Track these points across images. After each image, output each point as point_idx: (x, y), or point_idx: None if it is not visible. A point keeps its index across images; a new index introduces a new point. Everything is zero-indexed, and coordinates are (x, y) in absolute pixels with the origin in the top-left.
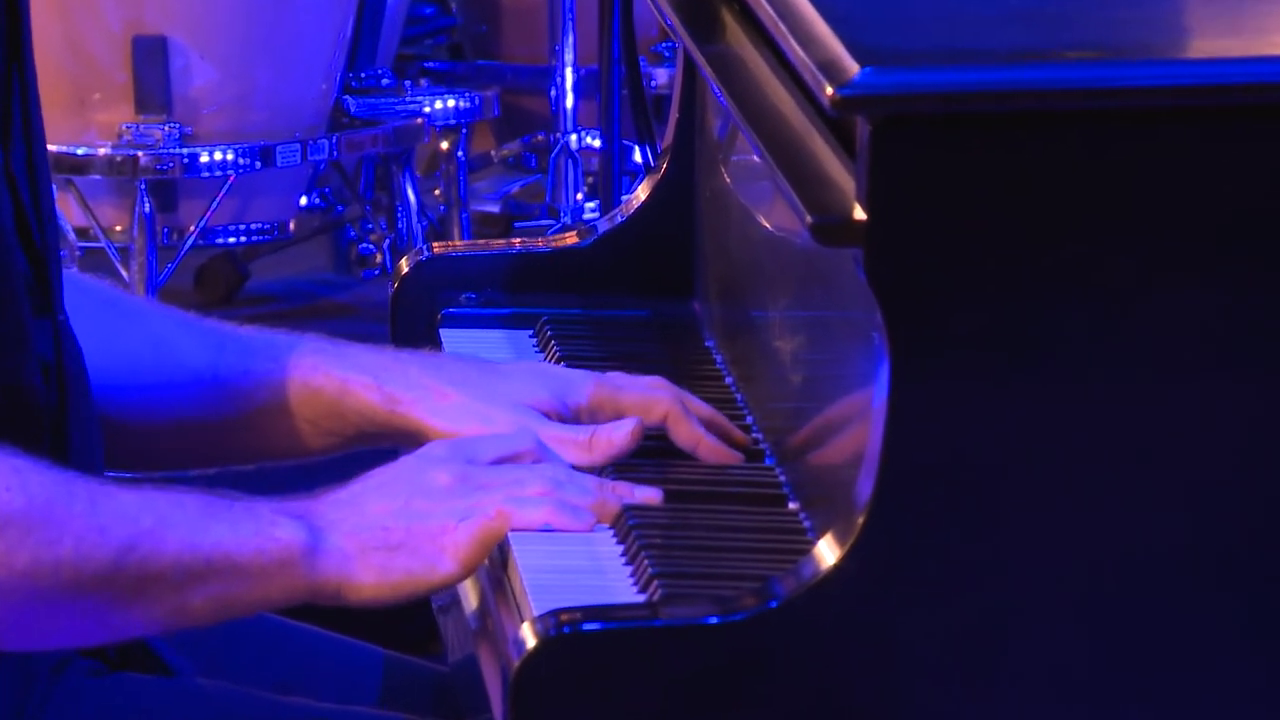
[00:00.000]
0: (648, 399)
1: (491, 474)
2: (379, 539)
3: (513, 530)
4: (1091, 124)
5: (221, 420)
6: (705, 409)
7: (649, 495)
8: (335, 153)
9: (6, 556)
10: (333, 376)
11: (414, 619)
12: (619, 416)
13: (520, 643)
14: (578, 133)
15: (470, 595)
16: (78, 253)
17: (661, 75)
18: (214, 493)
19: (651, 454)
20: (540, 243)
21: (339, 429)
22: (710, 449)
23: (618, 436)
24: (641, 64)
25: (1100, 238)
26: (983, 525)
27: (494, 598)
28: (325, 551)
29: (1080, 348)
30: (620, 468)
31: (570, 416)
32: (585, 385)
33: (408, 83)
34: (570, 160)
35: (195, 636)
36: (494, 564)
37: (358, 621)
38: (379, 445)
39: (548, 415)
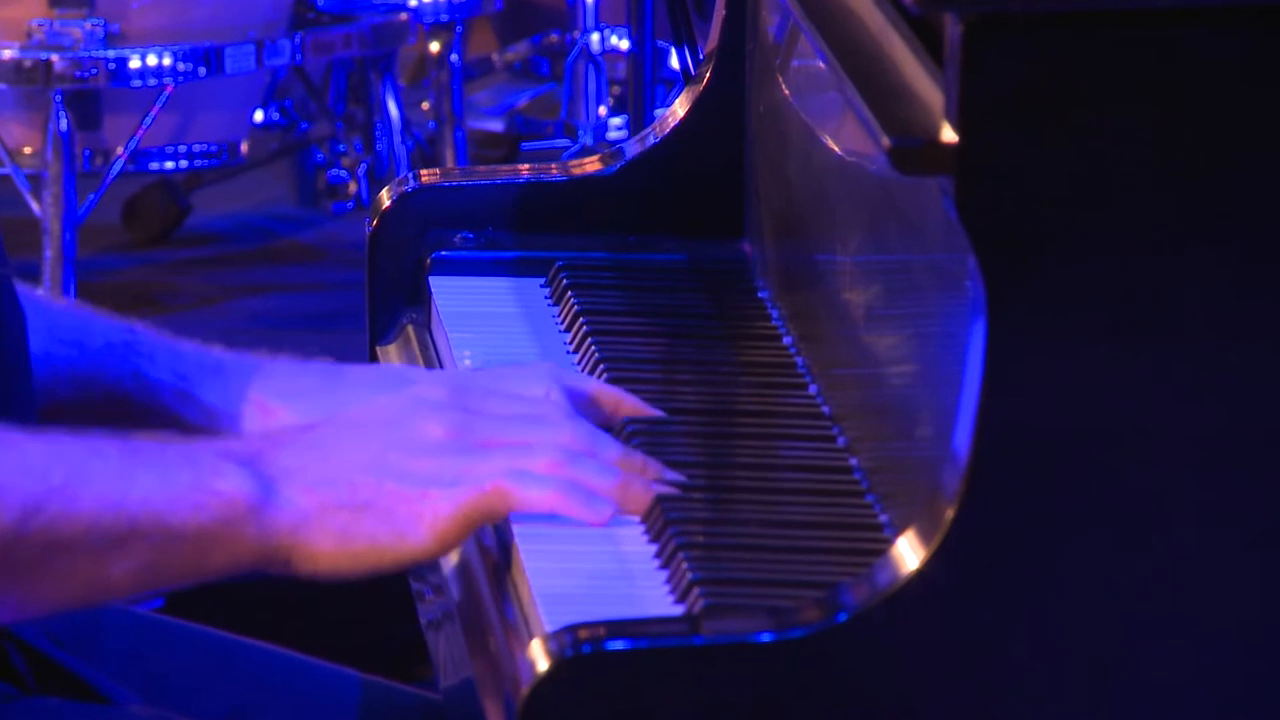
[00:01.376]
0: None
1: (496, 430)
2: (343, 495)
3: (513, 515)
4: (1250, 23)
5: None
6: (596, 390)
7: (675, 480)
8: (298, 56)
9: None
10: (144, 379)
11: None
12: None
13: (529, 665)
14: (600, 31)
15: (467, 603)
16: None
17: None
18: (148, 435)
19: (690, 434)
20: (554, 169)
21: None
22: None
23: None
24: None
25: (1252, 166)
26: (1100, 519)
27: (496, 608)
28: (277, 506)
29: (1221, 302)
30: (651, 448)
31: None
32: (438, 399)
33: None
34: (591, 66)
35: (132, 654)
36: (497, 565)
37: (332, 639)
38: None
39: None
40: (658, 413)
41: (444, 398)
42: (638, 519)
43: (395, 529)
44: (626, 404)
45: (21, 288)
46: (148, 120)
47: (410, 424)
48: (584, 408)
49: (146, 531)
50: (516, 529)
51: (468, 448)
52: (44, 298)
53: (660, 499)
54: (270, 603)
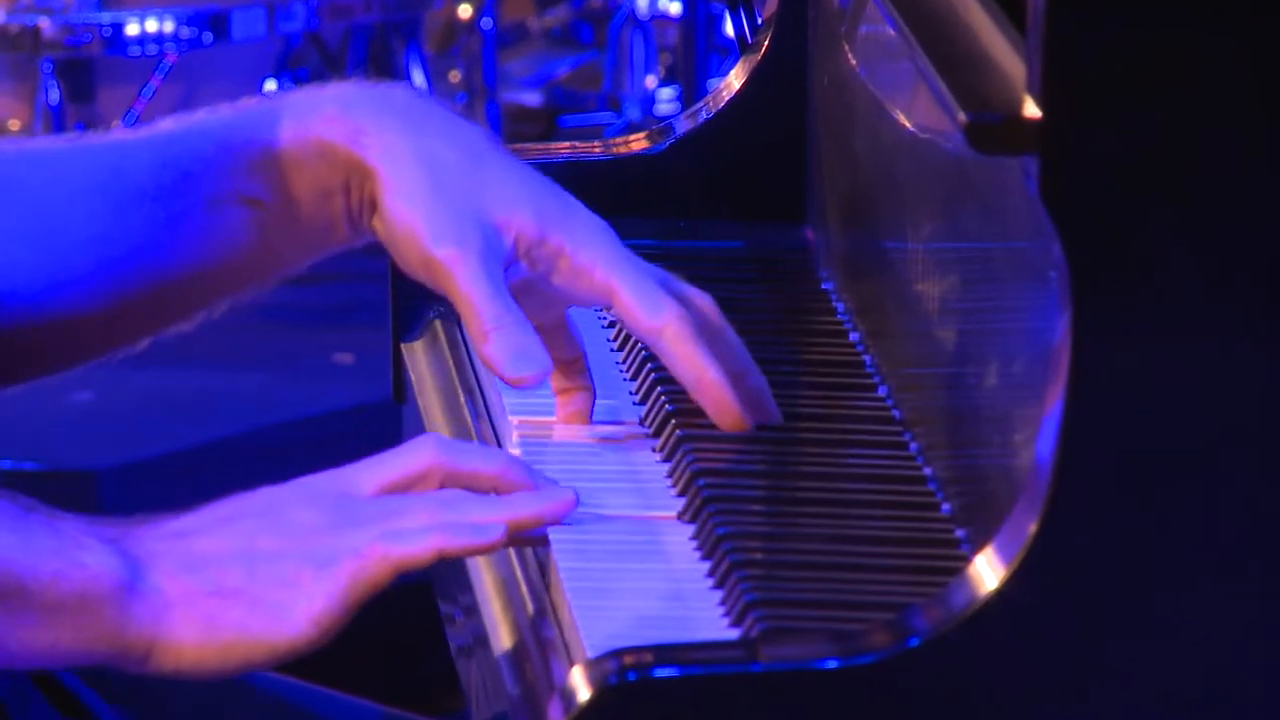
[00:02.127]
0: (653, 300)
1: (368, 506)
2: (211, 582)
3: (393, 573)
4: None
5: (137, 299)
6: (735, 345)
7: (564, 498)
8: (314, 22)
9: None
10: (300, 125)
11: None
12: (600, 299)
13: (570, 695)
14: None
15: (501, 630)
16: None
17: None
18: (8, 497)
19: (748, 440)
20: (597, 147)
21: (309, 195)
22: (710, 383)
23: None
24: None
25: None
26: (1196, 537)
27: (533, 631)
28: (141, 593)
29: None
30: (704, 455)
31: (544, 262)
32: (589, 233)
33: None
34: (638, 33)
35: (139, 682)
36: (534, 583)
37: (351, 669)
38: (361, 235)
39: (515, 245)
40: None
41: (320, 485)
42: (692, 536)
43: (268, 617)
44: (743, 385)
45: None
46: (147, 92)
47: (280, 511)
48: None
49: (1, 590)
50: (555, 542)
51: (339, 526)
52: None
53: (715, 512)
54: None
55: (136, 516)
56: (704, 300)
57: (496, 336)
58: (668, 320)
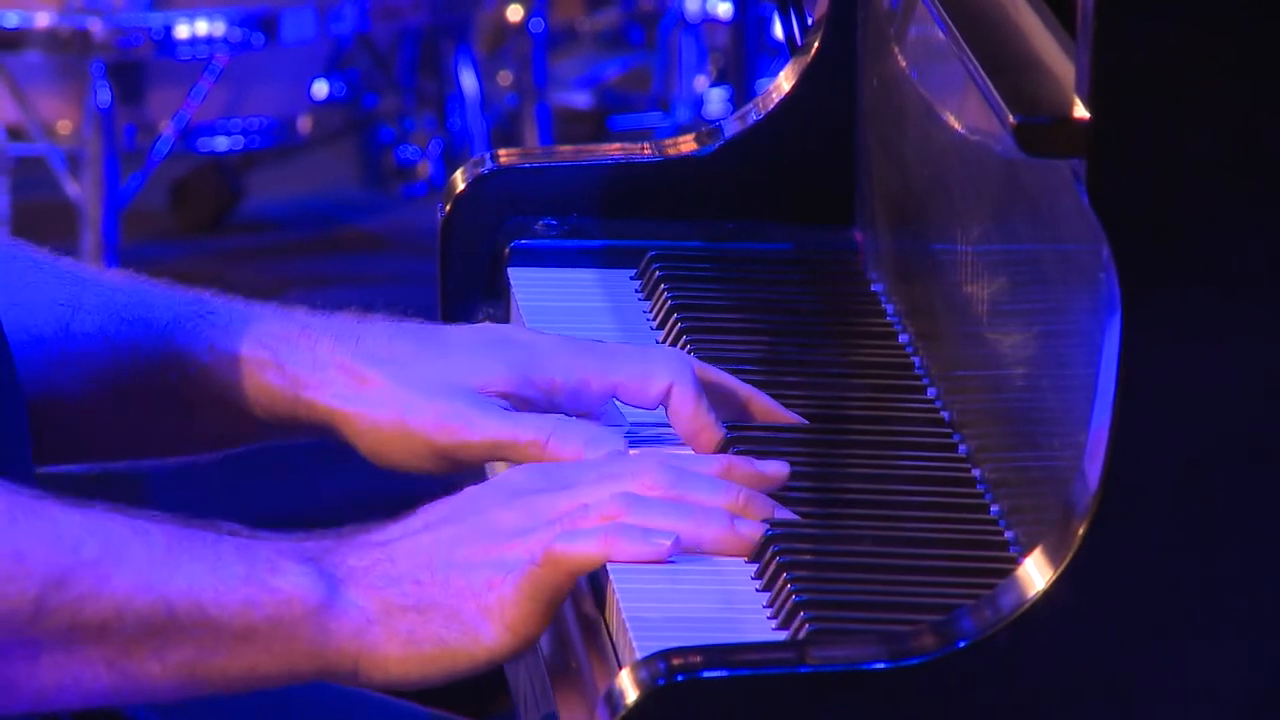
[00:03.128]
0: (644, 371)
1: (561, 501)
2: (409, 595)
3: (570, 574)
4: None
5: (76, 401)
6: (732, 385)
7: (755, 532)
8: (364, 24)
9: None
10: (221, 352)
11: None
12: (605, 395)
13: (617, 697)
14: None
15: (549, 631)
16: (9, 160)
17: None
18: (201, 524)
19: (797, 442)
20: (646, 149)
21: (238, 417)
22: (710, 440)
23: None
24: None
25: None
26: (1249, 540)
27: (581, 635)
28: (340, 609)
29: None
30: (749, 453)
31: (541, 396)
32: (559, 355)
33: None
34: (688, 34)
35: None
36: (582, 586)
37: None
38: (298, 438)
39: (508, 399)
40: (793, 418)
41: (523, 481)
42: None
43: (465, 628)
44: (758, 404)
45: (70, 263)
46: (198, 95)
47: (482, 513)
48: (717, 400)
49: (187, 624)
50: None
51: (532, 527)
52: (97, 272)
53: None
54: None
55: (346, 529)
56: (673, 356)
57: (554, 438)
58: (668, 386)
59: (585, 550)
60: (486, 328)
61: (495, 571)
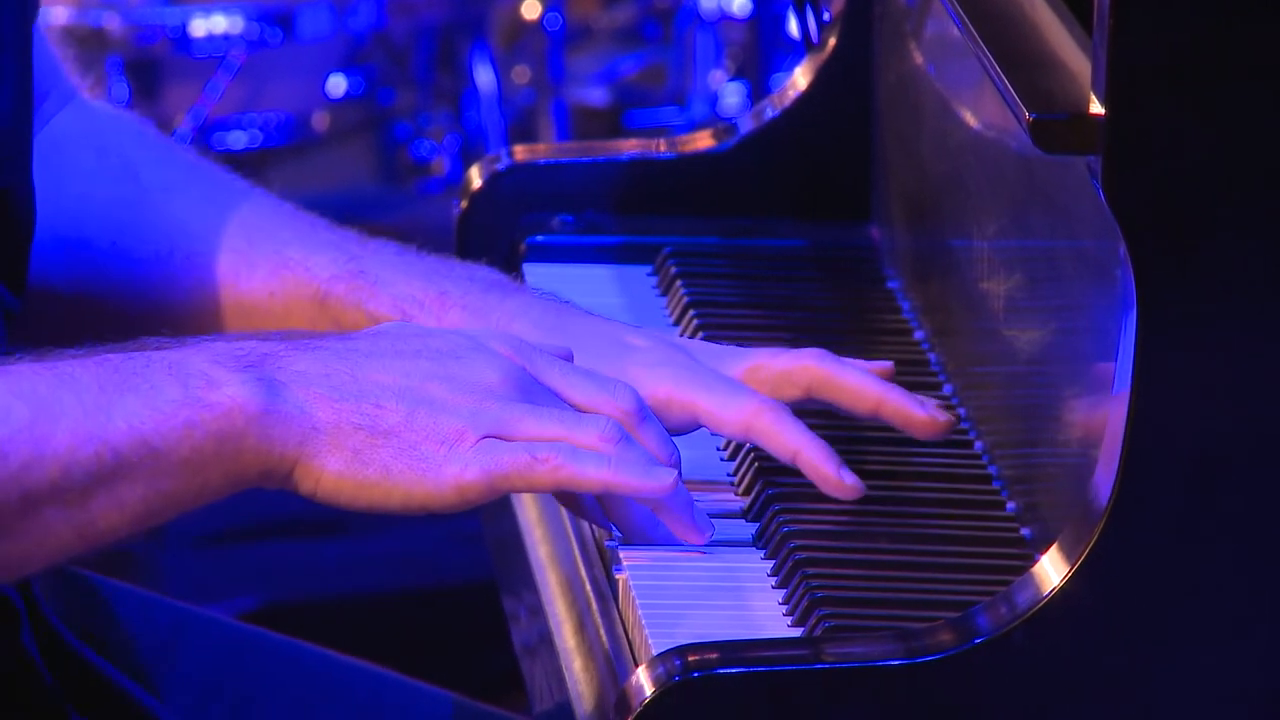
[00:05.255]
0: (792, 369)
1: (554, 403)
2: (366, 416)
3: (560, 485)
4: None
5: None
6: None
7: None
8: (380, 20)
9: None
10: (370, 314)
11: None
12: (690, 421)
13: (634, 693)
14: None
15: (565, 625)
16: None
17: None
18: (132, 345)
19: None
20: (662, 146)
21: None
22: (814, 461)
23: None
24: None
25: None
26: (1263, 537)
27: (596, 628)
28: (285, 412)
29: None
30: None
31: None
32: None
33: None
34: (705, 30)
35: (216, 666)
36: (599, 581)
37: (423, 659)
38: None
39: None
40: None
41: (508, 347)
42: (750, 535)
43: (416, 466)
44: (889, 406)
45: (254, 193)
46: (212, 90)
47: (460, 359)
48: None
49: (134, 462)
50: (620, 547)
51: (519, 405)
52: (271, 205)
53: (779, 511)
54: (365, 619)
55: (294, 331)
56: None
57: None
58: (749, 411)
59: (588, 474)
60: (613, 329)
61: (472, 426)
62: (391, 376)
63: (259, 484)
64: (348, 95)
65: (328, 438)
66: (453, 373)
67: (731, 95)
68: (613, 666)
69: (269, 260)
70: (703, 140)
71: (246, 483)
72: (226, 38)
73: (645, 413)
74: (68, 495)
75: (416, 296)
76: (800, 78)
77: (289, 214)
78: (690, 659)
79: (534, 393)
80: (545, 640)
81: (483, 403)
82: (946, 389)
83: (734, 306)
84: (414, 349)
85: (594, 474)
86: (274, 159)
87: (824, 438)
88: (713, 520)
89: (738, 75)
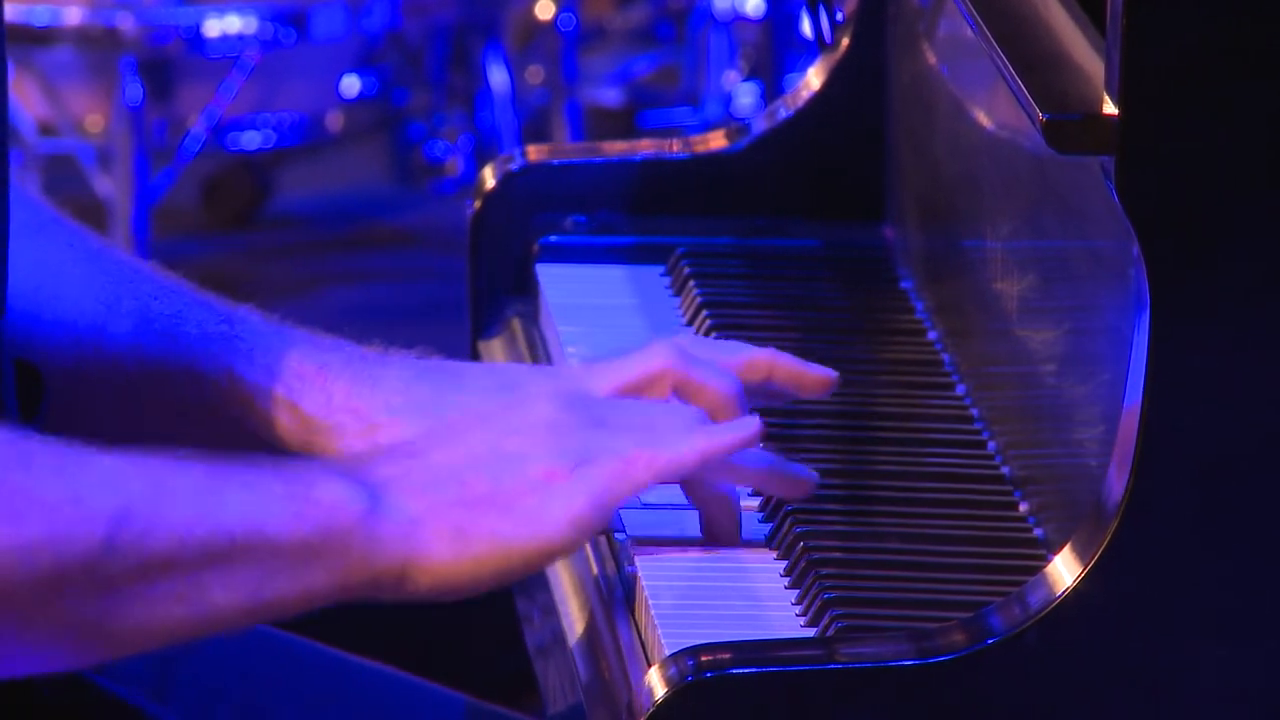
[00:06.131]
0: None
1: (614, 407)
2: (453, 492)
3: (658, 473)
4: None
5: (92, 393)
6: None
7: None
8: (395, 20)
9: None
10: (240, 380)
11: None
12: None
13: (646, 693)
14: None
15: (578, 625)
16: (38, 156)
17: None
18: (227, 455)
19: (826, 439)
20: (676, 146)
21: (253, 444)
22: (790, 374)
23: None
24: None
25: None
26: (1277, 535)
27: (609, 629)
28: (384, 514)
29: None
30: (783, 454)
31: None
32: (586, 381)
33: None
34: (718, 31)
35: (226, 667)
36: (611, 582)
37: (433, 659)
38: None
39: None
40: (826, 371)
41: (548, 386)
42: (764, 534)
43: (522, 521)
44: (782, 368)
45: (117, 256)
46: (226, 90)
47: (516, 411)
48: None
49: (245, 546)
50: (632, 540)
51: (587, 424)
52: (139, 269)
53: (791, 511)
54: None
55: (364, 449)
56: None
57: None
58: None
59: (682, 452)
60: (507, 370)
61: (559, 463)
62: (460, 451)
63: (368, 592)
64: (361, 95)
65: (428, 528)
66: (513, 424)
67: (745, 95)
68: (625, 667)
69: (134, 313)
70: (716, 140)
71: (354, 587)
72: (240, 38)
73: (691, 361)
74: (181, 570)
75: (297, 370)
76: (814, 78)
77: (152, 272)
78: (703, 659)
79: (593, 406)
80: (558, 640)
81: (555, 437)
82: (960, 389)
83: (747, 307)
84: (465, 424)
85: (687, 449)
86: (288, 159)
87: (830, 438)
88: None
89: (751, 75)
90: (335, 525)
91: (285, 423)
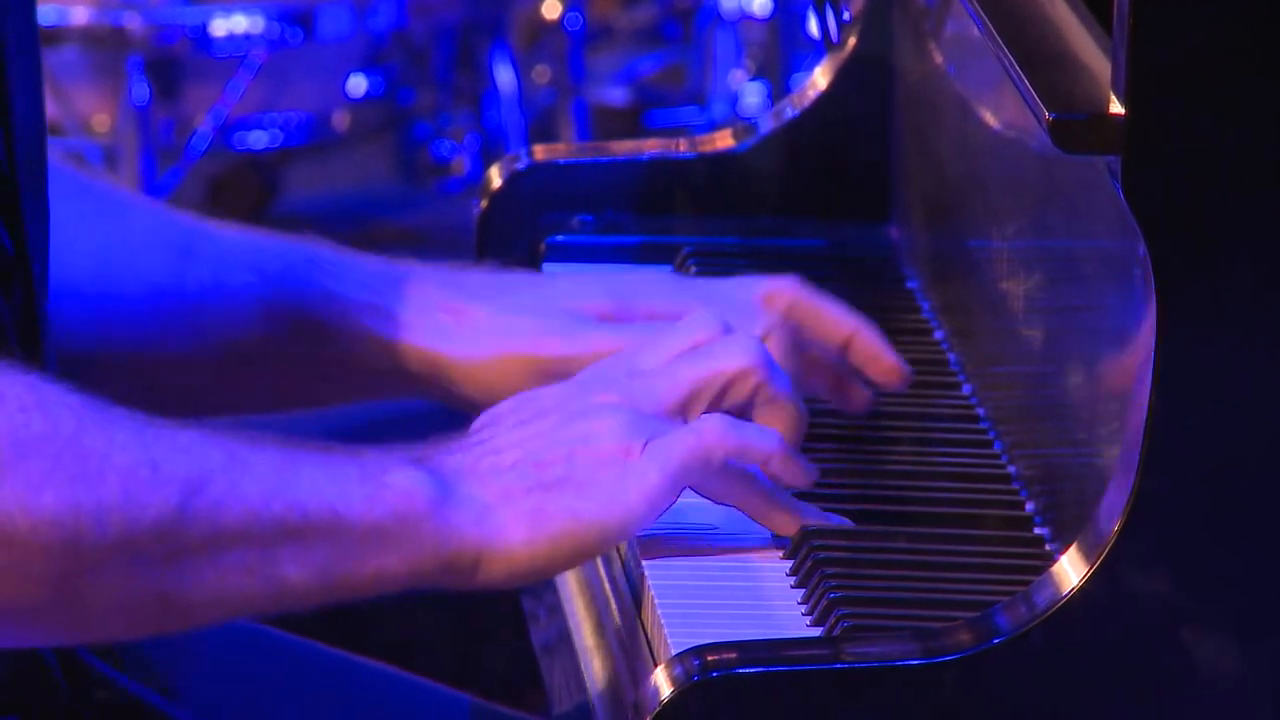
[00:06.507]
0: (746, 312)
1: (669, 369)
2: (529, 478)
3: (730, 452)
4: None
5: (183, 354)
6: (836, 319)
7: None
8: (401, 20)
9: (26, 497)
10: (333, 296)
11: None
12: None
13: (652, 693)
14: None
15: (584, 624)
16: None
17: None
18: (292, 441)
19: (831, 438)
20: (682, 146)
21: (335, 366)
22: (868, 343)
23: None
24: None
25: None
26: None
27: (616, 630)
28: (456, 501)
29: None
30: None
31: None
32: (661, 286)
33: None
34: (725, 30)
35: (228, 665)
36: (618, 582)
37: (436, 658)
38: (397, 395)
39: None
40: (902, 362)
41: (603, 369)
42: (769, 533)
43: (600, 498)
44: (863, 341)
45: (182, 213)
46: (233, 89)
47: (577, 397)
48: (822, 334)
49: (320, 525)
50: (641, 546)
51: (645, 393)
52: (205, 222)
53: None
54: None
55: (433, 439)
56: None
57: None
58: (766, 329)
59: (758, 438)
60: (584, 277)
61: (633, 438)
62: (534, 440)
63: (442, 580)
64: (368, 95)
65: (504, 512)
66: (576, 409)
67: (751, 95)
68: (632, 666)
69: (212, 257)
70: (723, 140)
71: (427, 574)
72: (247, 37)
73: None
74: (255, 542)
75: (386, 275)
76: (820, 77)
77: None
78: (709, 658)
79: (649, 377)
80: (564, 640)
81: (622, 415)
82: (966, 389)
83: None
84: (534, 412)
85: (763, 437)
86: (294, 159)
87: (837, 438)
88: (736, 517)
89: (758, 75)
90: (409, 511)
91: (378, 330)
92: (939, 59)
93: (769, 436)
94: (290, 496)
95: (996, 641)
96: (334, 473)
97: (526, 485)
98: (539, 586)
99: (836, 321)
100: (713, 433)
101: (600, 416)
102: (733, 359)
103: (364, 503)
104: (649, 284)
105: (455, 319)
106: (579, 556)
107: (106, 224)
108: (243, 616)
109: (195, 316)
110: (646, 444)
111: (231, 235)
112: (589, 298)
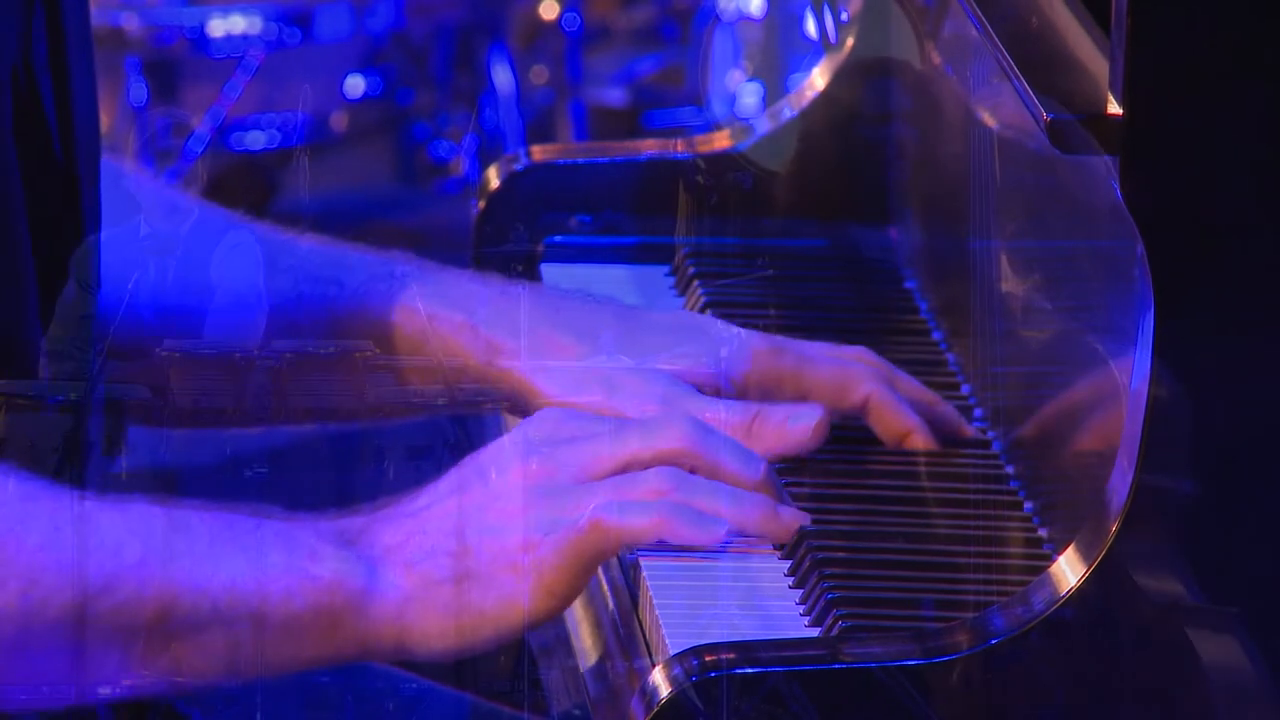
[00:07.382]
0: (843, 376)
1: (592, 458)
2: (443, 568)
3: (616, 545)
4: None
5: (250, 358)
6: (918, 389)
7: (797, 522)
8: (399, 20)
9: None
10: (415, 310)
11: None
12: (799, 397)
13: (651, 693)
14: None
15: (583, 625)
16: None
17: None
18: (239, 510)
19: (830, 439)
20: (680, 146)
21: (422, 381)
22: (924, 444)
23: (794, 428)
24: None
25: None
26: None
27: (615, 631)
28: (380, 591)
29: None
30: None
31: (731, 390)
32: (756, 349)
33: None
34: (722, 31)
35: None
36: (617, 583)
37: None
38: (480, 410)
39: (699, 386)
40: (973, 431)
41: (547, 431)
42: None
43: (501, 595)
44: (942, 411)
45: (264, 226)
46: (231, 90)
47: (508, 470)
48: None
49: (230, 618)
50: (639, 549)
51: (565, 487)
52: (290, 235)
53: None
54: None
55: (381, 502)
56: (866, 358)
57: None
58: (866, 395)
59: (638, 524)
60: (685, 315)
61: (531, 532)
62: (454, 520)
63: (363, 659)
64: (366, 95)
65: (419, 604)
66: (502, 488)
67: (749, 95)
68: (630, 667)
69: (292, 268)
70: (720, 140)
71: (346, 657)
72: (245, 38)
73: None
74: (161, 635)
75: (477, 294)
76: (818, 77)
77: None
78: (707, 659)
79: (577, 446)
80: (562, 641)
81: (539, 506)
82: (965, 389)
83: (751, 306)
84: (466, 479)
85: (642, 522)
86: (292, 159)
87: (834, 438)
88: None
89: (755, 75)
90: (327, 603)
91: (467, 346)
92: (937, 60)
93: (650, 514)
94: (203, 586)
95: (994, 642)
96: (257, 558)
97: (440, 577)
98: None
99: (900, 422)
100: (591, 526)
101: (514, 500)
102: (667, 439)
103: (283, 594)
104: (745, 349)
105: (556, 353)
106: (496, 641)
107: (182, 231)
108: (158, 693)
109: (271, 324)
110: (544, 538)
111: (315, 247)
112: (684, 354)
